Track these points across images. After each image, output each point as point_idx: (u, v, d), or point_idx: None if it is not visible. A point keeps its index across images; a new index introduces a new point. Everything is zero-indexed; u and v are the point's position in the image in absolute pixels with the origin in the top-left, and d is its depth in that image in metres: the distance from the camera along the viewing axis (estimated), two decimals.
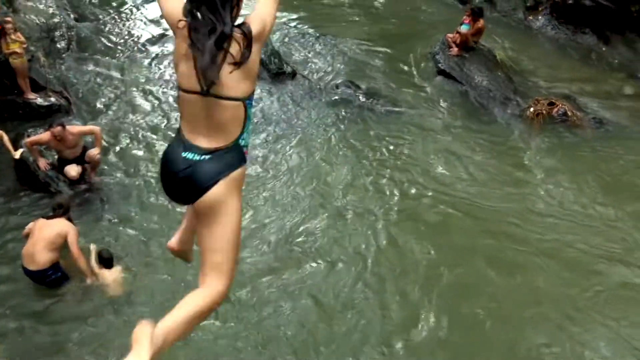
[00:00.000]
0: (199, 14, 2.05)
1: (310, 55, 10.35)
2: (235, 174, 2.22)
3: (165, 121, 8.52)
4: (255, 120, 8.65)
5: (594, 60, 10.38)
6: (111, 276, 5.65)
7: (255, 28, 2.13)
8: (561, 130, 8.55)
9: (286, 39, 10.77)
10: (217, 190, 2.17)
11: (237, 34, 2.09)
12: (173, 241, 2.77)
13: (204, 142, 2.19)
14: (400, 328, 5.47)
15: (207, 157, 2.17)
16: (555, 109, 8.79)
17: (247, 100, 2.21)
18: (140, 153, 7.78)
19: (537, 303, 5.74)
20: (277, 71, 9.71)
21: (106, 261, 5.66)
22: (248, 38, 2.09)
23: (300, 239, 6.47)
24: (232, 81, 2.12)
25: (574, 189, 7.38)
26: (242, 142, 2.25)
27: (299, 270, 6.08)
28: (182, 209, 6.79)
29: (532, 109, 8.89)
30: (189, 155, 2.18)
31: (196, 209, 2.24)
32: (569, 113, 8.77)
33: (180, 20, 2.11)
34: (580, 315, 5.60)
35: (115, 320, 5.43)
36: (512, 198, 7.13)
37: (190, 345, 5.20)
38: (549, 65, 10.21)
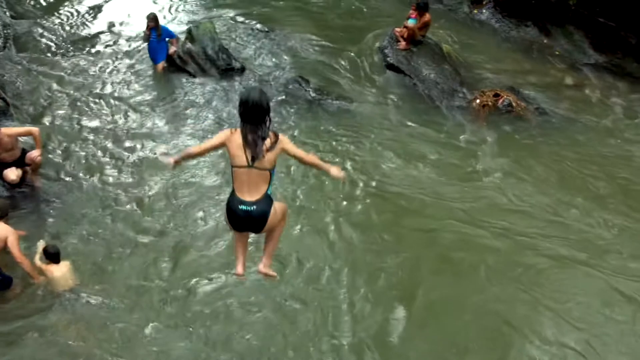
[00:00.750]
0: (249, 127, 3.69)
1: (258, 50, 10.25)
2: (272, 208, 3.89)
3: (107, 120, 8.30)
4: (203, 118, 8.54)
5: (536, 52, 10.68)
6: (59, 271, 5.50)
7: (282, 138, 3.79)
8: (507, 122, 8.75)
9: (234, 35, 10.64)
10: (270, 220, 3.90)
11: (271, 134, 3.74)
12: (240, 270, 4.26)
13: (248, 197, 3.81)
14: (355, 322, 5.52)
15: (254, 207, 3.82)
16: (501, 100, 9.00)
17: (272, 170, 3.80)
18: (83, 153, 7.57)
19: (483, 292, 5.89)
20: (225, 67, 9.59)
21: (52, 256, 5.51)
22: (276, 138, 3.74)
23: (257, 241, 6.39)
24: (265, 160, 3.72)
25: (519, 179, 7.56)
26: (269, 192, 3.87)
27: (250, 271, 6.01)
28: (126, 206, 6.68)
29: (478, 101, 9.07)
30: (244, 207, 3.82)
31: (265, 229, 3.98)
32: (514, 104, 8.99)
33: (232, 130, 3.79)
34: (527, 307, 5.76)
35: (66, 314, 5.37)
36: (460, 191, 7.24)
37: (147, 347, 5.13)
38: (493, 58, 10.44)
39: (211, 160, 7.47)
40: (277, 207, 3.94)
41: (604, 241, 6.58)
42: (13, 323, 5.30)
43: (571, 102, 9.38)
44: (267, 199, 3.82)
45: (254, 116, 3.64)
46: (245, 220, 3.84)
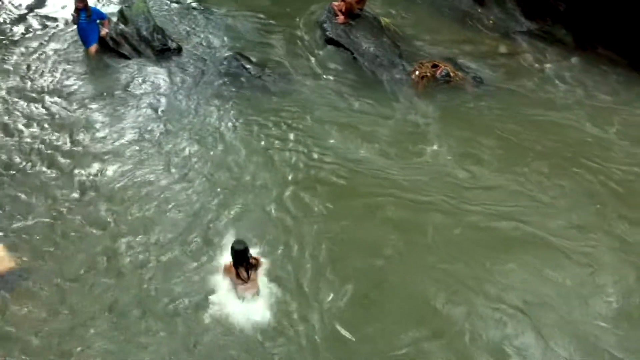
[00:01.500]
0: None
1: (195, 29, 10.02)
2: None
3: (38, 109, 7.98)
4: (142, 101, 8.31)
5: (471, 22, 10.87)
6: None
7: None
8: (445, 91, 8.92)
9: (168, 14, 10.36)
10: None
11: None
12: None
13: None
14: (301, 295, 5.61)
15: None
16: (439, 71, 9.16)
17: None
18: (16, 142, 7.29)
19: (430, 253, 6.09)
20: (161, 47, 9.34)
21: None
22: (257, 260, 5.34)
23: (200, 222, 6.35)
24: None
25: (457, 146, 7.73)
26: None
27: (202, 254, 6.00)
28: (61, 195, 6.49)
29: (417, 72, 9.20)
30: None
31: None
32: (452, 74, 9.18)
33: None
34: (470, 267, 6.01)
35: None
36: (400, 161, 7.39)
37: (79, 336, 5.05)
38: (430, 29, 10.57)
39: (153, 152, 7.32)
40: None
41: (544, 204, 6.84)
42: None
43: (506, 70, 9.64)
44: None
45: (241, 258, 5.34)
46: None
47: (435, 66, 9.25)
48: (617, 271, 5.96)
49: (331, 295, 5.59)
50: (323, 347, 5.16)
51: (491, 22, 11.00)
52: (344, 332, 5.28)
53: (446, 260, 6.02)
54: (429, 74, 9.15)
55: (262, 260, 5.64)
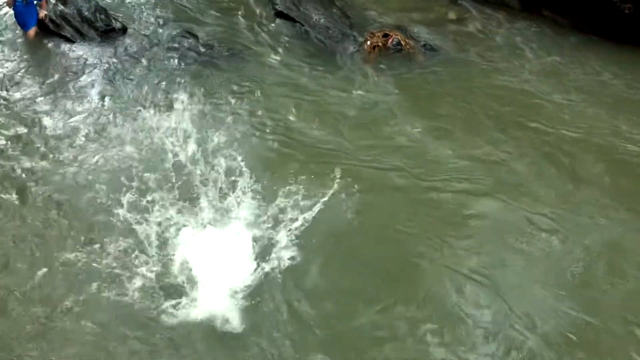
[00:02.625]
0: None
1: (139, 7, 9.71)
2: None
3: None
4: (85, 86, 8.03)
5: None
6: None
7: None
8: (397, 60, 8.94)
9: None
10: None
11: None
12: None
13: None
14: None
15: None
16: (390, 40, 9.17)
17: None
18: None
19: (395, 220, 6.18)
20: (105, 28, 9.05)
21: None
22: None
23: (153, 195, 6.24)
24: None
25: (412, 115, 7.79)
26: None
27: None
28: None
29: (368, 42, 9.19)
30: None
31: None
32: (403, 42, 9.20)
33: None
34: (433, 227, 6.12)
35: None
36: (357, 134, 7.38)
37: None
38: None
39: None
40: None
41: (504, 172, 6.92)
42: None
43: (456, 37, 9.71)
44: None
45: None
46: None
47: (386, 35, 9.25)
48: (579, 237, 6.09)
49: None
50: None
51: None
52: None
53: (409, 232, 6.07)
54: (380, 44, 9.15)
55: None
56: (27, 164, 6.67)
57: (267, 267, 5.51)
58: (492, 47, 9.52)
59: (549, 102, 8.14)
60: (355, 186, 6.52)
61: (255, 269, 5.50)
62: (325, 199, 6.26)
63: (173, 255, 5.61)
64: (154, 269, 5.48)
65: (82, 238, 5.81)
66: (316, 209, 6.09)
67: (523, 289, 5.57)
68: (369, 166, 6.88)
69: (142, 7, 9.75)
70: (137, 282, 5.35)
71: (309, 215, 6.01)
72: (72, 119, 7.43)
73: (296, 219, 5.97)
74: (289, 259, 5.61)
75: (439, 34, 9.70)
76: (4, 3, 9.23)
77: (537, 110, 7.96)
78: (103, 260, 5.57)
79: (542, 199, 6.53)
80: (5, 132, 7.17)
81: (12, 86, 7.99)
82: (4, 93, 7.84)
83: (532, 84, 8.53)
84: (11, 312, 5.15)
